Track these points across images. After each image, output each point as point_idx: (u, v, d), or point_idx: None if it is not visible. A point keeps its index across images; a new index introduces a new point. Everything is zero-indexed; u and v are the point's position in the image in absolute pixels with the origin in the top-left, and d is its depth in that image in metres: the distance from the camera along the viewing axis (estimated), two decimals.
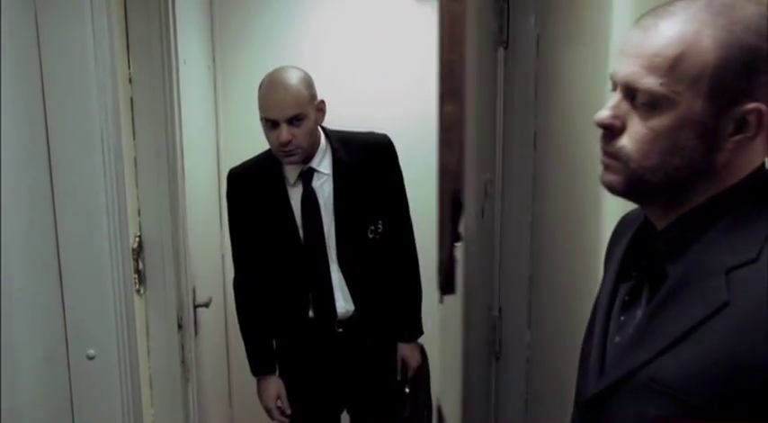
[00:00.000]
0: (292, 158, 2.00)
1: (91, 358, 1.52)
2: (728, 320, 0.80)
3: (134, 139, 1.82)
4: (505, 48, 1.91)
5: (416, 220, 2.89)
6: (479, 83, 1.71)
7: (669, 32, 0.84)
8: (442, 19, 1.50)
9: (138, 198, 1.82)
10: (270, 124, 1.97)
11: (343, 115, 2.76)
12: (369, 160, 2.10)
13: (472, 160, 1.59)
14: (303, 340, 2.15)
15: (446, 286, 1.60)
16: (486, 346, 2.03)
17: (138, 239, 1.80)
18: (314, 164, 2.06)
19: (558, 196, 1.77)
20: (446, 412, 1.68)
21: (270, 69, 2.75)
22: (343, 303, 2.11)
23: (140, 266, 1.80)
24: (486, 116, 1.90)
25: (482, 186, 1.86)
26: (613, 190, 0.93)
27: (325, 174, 2.07)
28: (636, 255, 0.99)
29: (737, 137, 0.84)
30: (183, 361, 1.98)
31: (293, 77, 1.99)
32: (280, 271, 2.12)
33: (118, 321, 1.52)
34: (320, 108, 2.04)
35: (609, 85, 0.93)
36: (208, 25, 2.68)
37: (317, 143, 2.05)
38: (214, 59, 2.73)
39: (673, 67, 0.83)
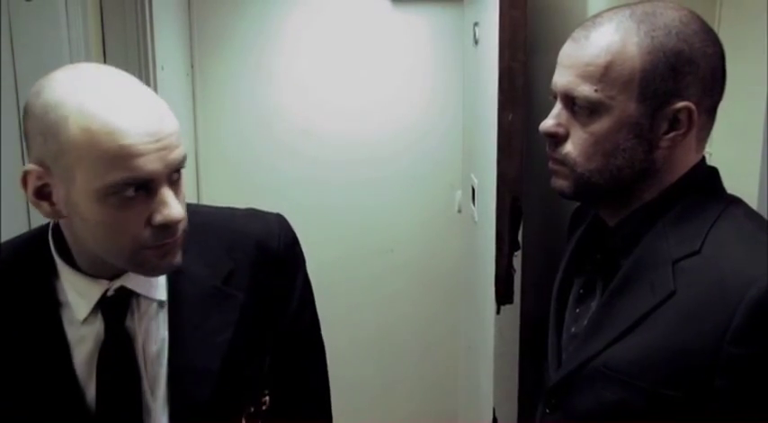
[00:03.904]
0: (176, 259, 0.93)
1: None
2: (674, 309, 0.87)
3: None
4: None
5: (407, 237, 2.87)
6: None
7: (598, 43, 0.93)
8: (502, 25, 1.46)
9: None
10: (132, 191, 0.85)
11: (325, 125, 2.76)
12: (243, 273, 1.04)
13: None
14: None
15: (504, 296, 1.57)
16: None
17: None
18: (129, 280, 0.96)
19: None
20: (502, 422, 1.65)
21: (249, 76, 2.75)
22: None
23: None
24: None
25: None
26: (564, 194, 0.99)
27: (155, 301, 0.99)
28: (588, 249, 1.05)
29: (671, 134, 0.93)
30: None
31: (149, 93, 0.90)
32: None
33: None
34: None
35: None
36: (186, 31, 2.66)
37: None
38: (192, 66, 2.70)
39: (604, 75, 0.92)
